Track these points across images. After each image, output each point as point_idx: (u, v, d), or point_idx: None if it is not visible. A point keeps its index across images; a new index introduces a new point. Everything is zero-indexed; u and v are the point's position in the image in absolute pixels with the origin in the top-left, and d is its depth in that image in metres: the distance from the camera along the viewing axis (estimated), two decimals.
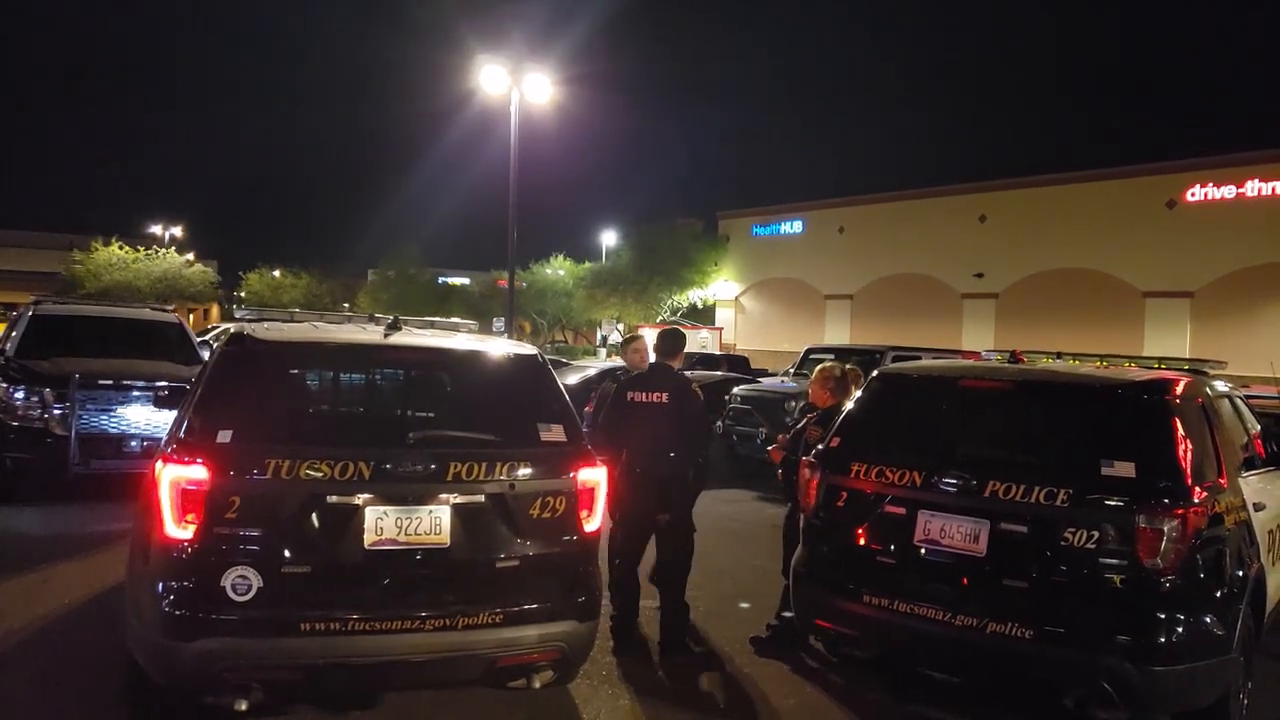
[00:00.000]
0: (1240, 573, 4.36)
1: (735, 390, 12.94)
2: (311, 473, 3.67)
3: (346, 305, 73.87)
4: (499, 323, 45.38)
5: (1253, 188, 28.42)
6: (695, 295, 43.60)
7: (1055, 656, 4.01)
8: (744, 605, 6.55)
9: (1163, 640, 3.93)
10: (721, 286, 44.25)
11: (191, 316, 74.58)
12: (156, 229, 63.16)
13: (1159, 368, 5.58)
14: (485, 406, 4.22)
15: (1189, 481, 4.12)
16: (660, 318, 41.88)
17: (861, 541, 4.59)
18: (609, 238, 50.58)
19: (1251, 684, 4.71)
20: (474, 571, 3.89)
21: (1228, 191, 28.94)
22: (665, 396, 5.46)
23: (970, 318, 35.28)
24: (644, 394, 5.52)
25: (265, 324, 4.60)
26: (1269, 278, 27.97)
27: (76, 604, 5.86)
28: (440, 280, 61.62)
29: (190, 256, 57.21)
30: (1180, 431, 4.27)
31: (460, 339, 4.48)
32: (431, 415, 4.03)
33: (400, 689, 4.35)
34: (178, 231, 64.68)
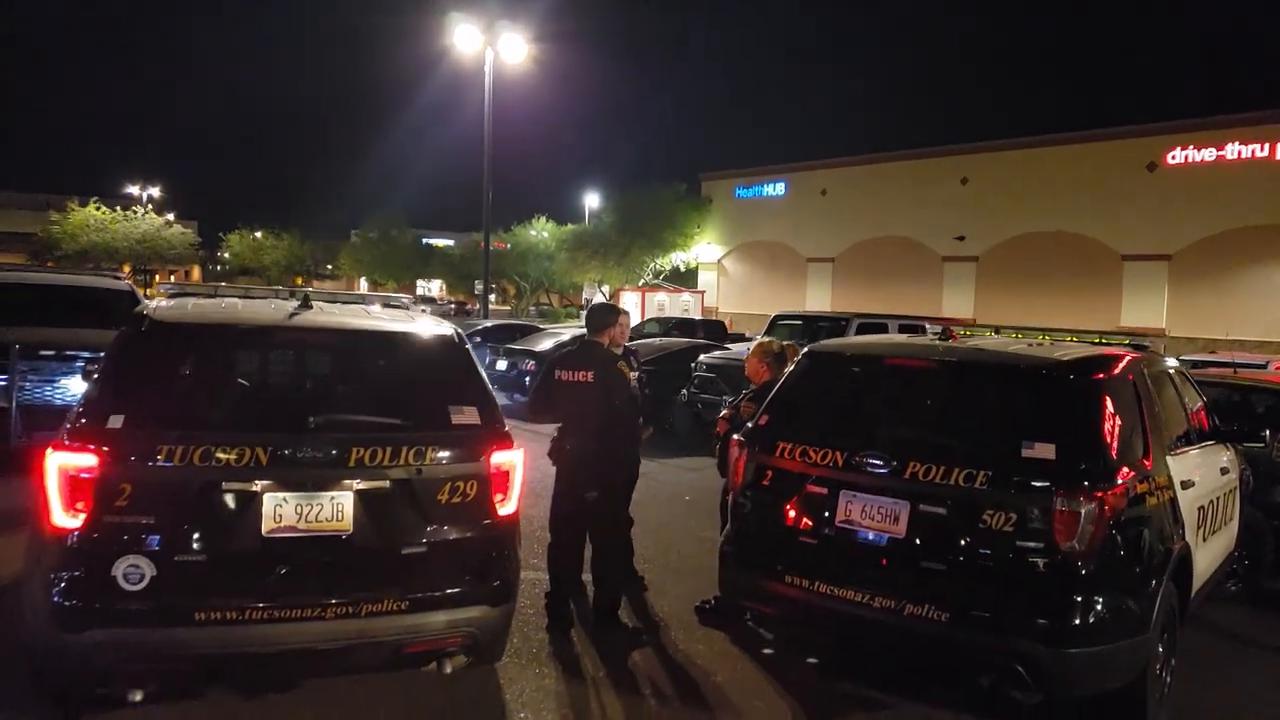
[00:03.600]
0: (1160, 552, 4.32)
1: (701, 358, 12.87)
2: (206, 459, 3.57)
3: (330, 266, 73.22)
4: (481, 286, 44.98)
5: (1233, 150, 28.36)
6: (678, 258, 43.41)
7: (970, 639, 3.97)
8: (690, 577, 6.51)
9: (1077, 622, 3.89)
10: (704, 249, 44.05)
11: (173, 277, 73.94)
12: (134, 189, 62.31)
13: (1100, 343, 5.52)
14: (394, 389, 4.13)
15: (1109, 463, 4.07)
16: (643, 281, 41.72)
17: (785, 522, 4.54)
18: (592, 200, 50.29)
19: (1175, 661, 4.72)
20: (378, 558, 3.82)
21: (1208, 154, 28.86)
22: (590, 375, 5.37)
23: (951, 281, 35.26)
24: (570, 372, 5.44)
25: (171, 302, 4.47)
26: (1247, 241, 27.99)
27: (6, 583, 5.77)
28: (423, 242, 61.12)
29: (170, 217, 56.51)
30: (1103, 412, 4.21)
31: (371, 319, 4.36)
32: (336, 399, 3.93)
33: (304, 677, 4.29)
34: (156, 192, 63.84)
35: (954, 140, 36.48)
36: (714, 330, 24.74)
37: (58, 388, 8.55)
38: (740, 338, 25.45)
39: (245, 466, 3.61)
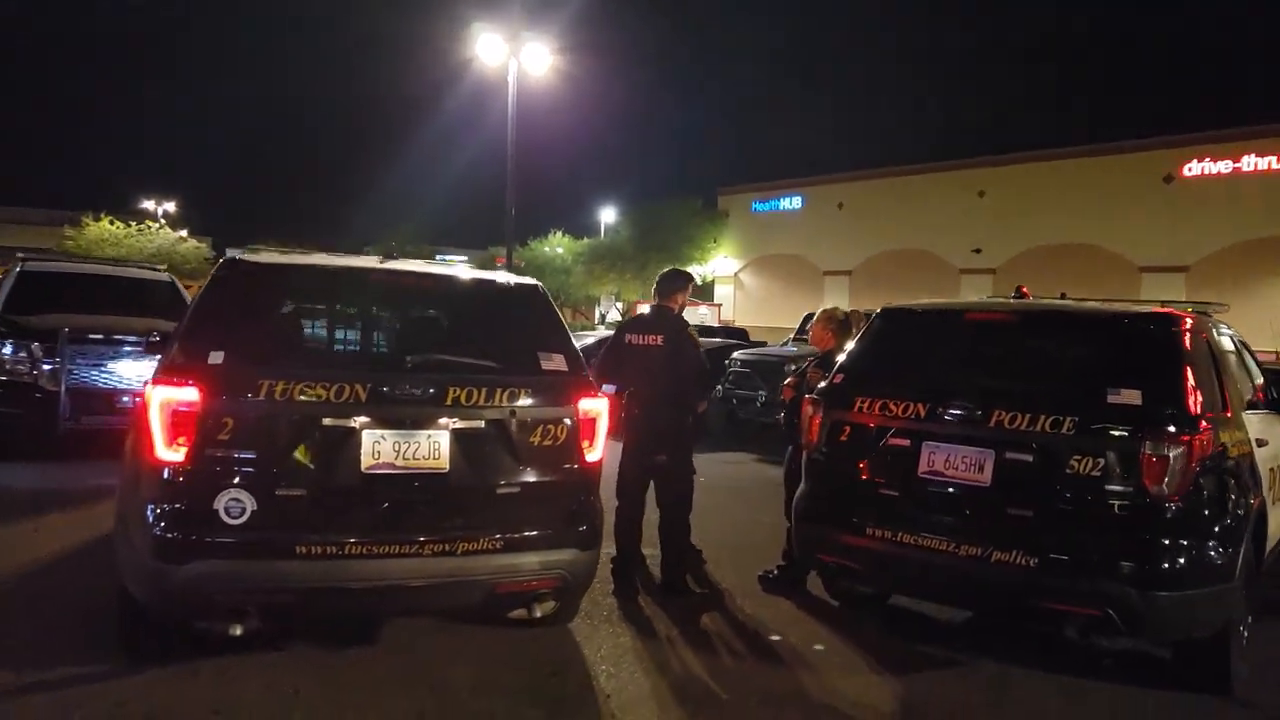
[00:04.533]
0: (1243, 503, 4.32)
1: (735, 354, 12.88)
2: (306, 395, 3.61)
3: None
4: None
5: (1249, 162, 28.34)
6: (695, 272, 43.36)
7: (1059, 584, 3.98)
8: (746, 554, 6.51)
9: (1166, 566, 3.90)
10: (721, 263, 44.12)
11: (187, 294, 74.20)
12: (149, 204, 62.69)
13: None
14: (484, 334, 4.17)
15: (1194, 410, 4.08)
16: None
17: (864, 476, 4.55)
18: (608, 214, 50.34)
19: (1252, 619, 4.70)
20: (474, 497, 3.85)
21: (1224, 166, 28.85)
22: (661, 339, 5.40)
23: (968, 293, 35.18)
24: (640, 336, 5.46)
25: (261, 252, 4.53)
26: (1264, 252, 27.93)
27: (66, 549, 5.81)
28: (438, 258, 61.25)
29: (184, 233, 56.71)
30: (1186, 361, 4.23)
31: (458, 269, 4.41)
32: (429, 341, 3.97)
33: (399, 614, 4.29)
34: (171, 207, 64.19)
35: (971, 153, 36.57)
36: (736, 337, 24.77)
37: (105, 372, 8.62)
38: (761, 345, 25.49)
39: (345, 403, 3.64)
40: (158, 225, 53.53)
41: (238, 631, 3.56)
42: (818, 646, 4.78)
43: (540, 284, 4.44)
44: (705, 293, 45.11)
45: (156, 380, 3.64)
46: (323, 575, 3.57)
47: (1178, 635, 4.06)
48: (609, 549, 5.67)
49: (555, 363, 4.12)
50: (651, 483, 5.60)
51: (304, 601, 3.60)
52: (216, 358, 3.62)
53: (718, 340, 16.06)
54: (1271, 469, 5.05)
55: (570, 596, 4.12)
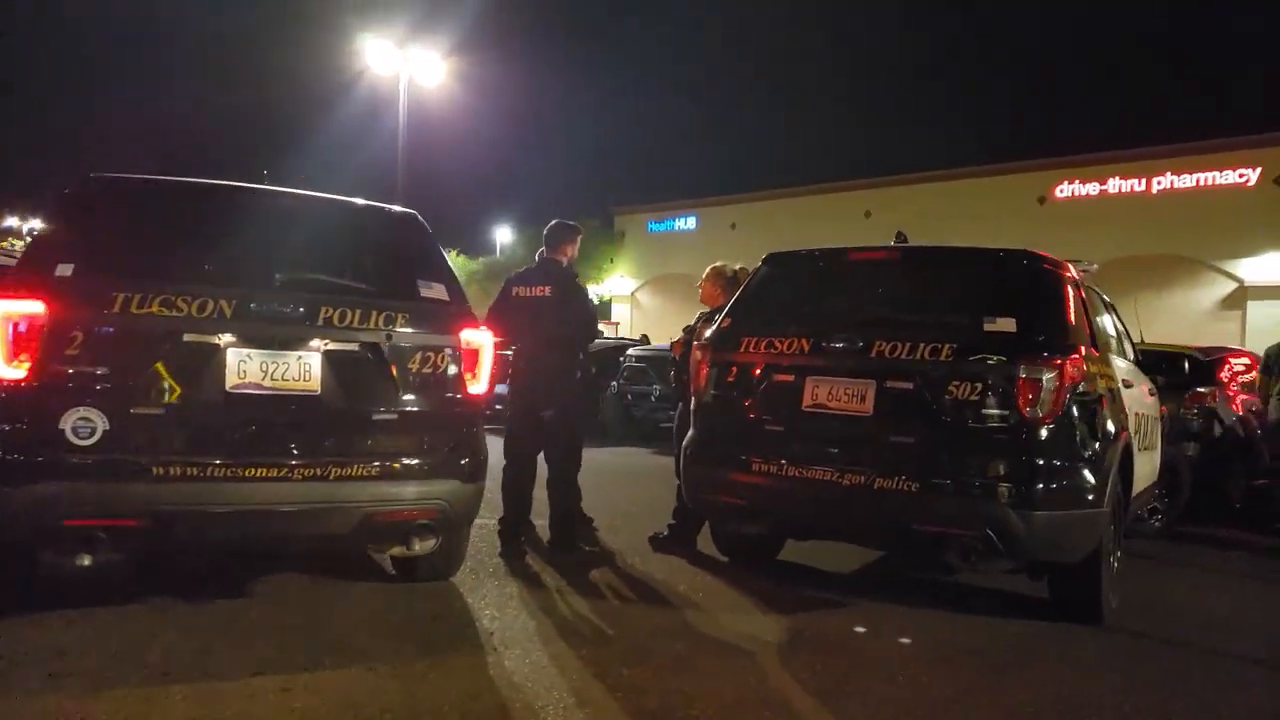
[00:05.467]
0: (1112, 431, 4.48)
1: (630, 351, 12.90)
2: (165, 309, 3.40)
3: None
4: None
5: (1114, 185, 30.13)
6: (591, 291, 43.38)
7: (940, 507, 4.04)
8: (637, 521, 6.44)
9: (1041, 486, 4.01)
10: (617, 282, 44.29)
11: None
12: (13, 221, 59.24)
13: None
14: (359, 259, 4.02)
15: (1065, 338, 4.23)
16: None
17: (751, 414, 4.55)
18: (504, 234, 50.02)
19: (1121, 553, 4.89)
20: (348, 422, 3.68)
21: (1092, 189, 30.59)
22: (549, 290, 5.31)
23: None
24: (528, 288, 5.36)
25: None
26: (1130, 270, 29.62)
27: None
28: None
29: None
30: (1056, 294, 4.40)
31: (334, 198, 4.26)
32: (301, 262, 3.80)
33: (268, 543, 4.04)
34: (39, 224, 60.77)
35: (858, 175, 37.81)
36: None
37: None
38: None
39: (207, 318, 3.45)
40: (21, 242, 50.69)
41: (86, 562, 3.29)
42: (706, 593, 4.75)
43: (418, 214, 4.31)
44: (603, 312, 45.18)
45: None
46: (183, 497, 3.34)
47: (1054, 556, 4.16)
48: (497, 514, 5.53)
49: (435, 291, 4.00)
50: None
51: (163, 527, 3.35)
52: (65, 270, 3.38)
53: (610, 340, 16.08)
54: (1137, 413, 5.29)
55: (450, 530, 3.96)
